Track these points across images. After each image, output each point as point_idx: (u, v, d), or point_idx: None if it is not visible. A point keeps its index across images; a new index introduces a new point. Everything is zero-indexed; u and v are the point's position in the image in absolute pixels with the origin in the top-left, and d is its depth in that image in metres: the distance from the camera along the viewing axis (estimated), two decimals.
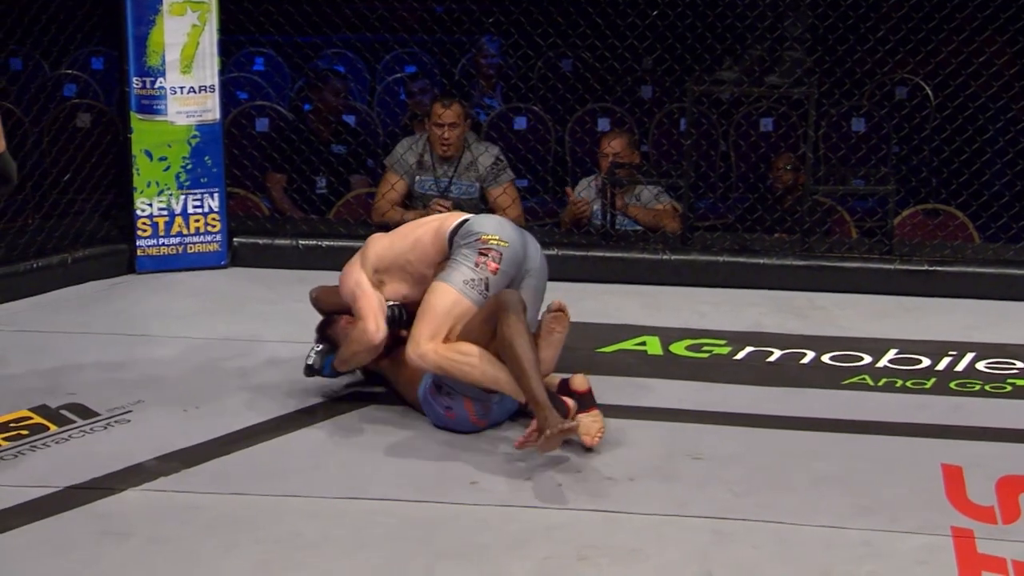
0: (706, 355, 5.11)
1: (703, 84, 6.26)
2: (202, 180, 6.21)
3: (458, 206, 6.07)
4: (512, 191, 6.38)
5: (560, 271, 5.71)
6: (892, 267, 5.95)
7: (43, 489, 3.88)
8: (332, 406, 4.56)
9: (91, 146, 6.59)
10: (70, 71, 8.06)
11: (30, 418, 4.41)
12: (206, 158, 6.20)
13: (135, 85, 6.08)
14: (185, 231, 6.22)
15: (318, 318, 4.69)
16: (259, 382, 4.74)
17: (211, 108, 6.17)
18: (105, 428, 4.36)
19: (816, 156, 6.36)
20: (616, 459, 4.11)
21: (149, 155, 6.14)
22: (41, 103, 7.43)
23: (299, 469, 4.07)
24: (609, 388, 4.47)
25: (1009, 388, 4.75)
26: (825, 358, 5.06)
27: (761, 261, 6.05)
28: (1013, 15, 6.21)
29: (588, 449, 4.11)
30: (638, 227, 6.42)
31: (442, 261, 4.36)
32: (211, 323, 5.47)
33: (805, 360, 5.05)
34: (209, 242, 6.27)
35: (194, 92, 6.13)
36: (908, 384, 4.78)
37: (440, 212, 5.61)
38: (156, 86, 6.07)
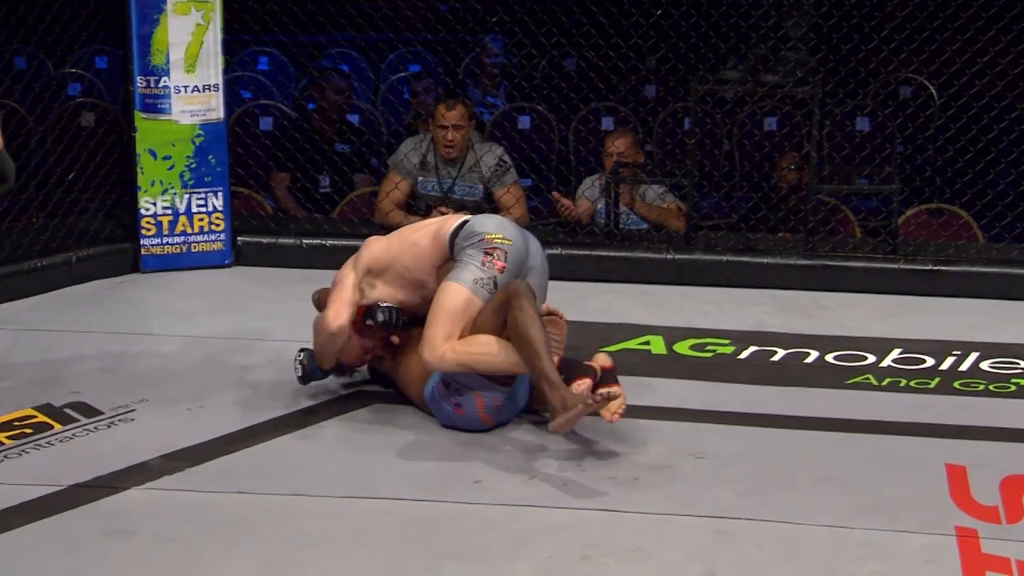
0: (710, 355, 5.11)
1: (707, 83, 6.26)
2: (206, 179, 6.22)
3: (462, 207, 6.07)
4: (516, 191, 6.37)
5: (564, 270, 5.73)
6: (896, 267, 5.94)
7: (47, 487, 3.89)
8: (335, 405, 4.57)
9: (95, 145, 6.59)
10: (74, 70, 8.07)
11: (34, 416, 4.42)
12: (210, 157, 6.20)
13: (139, 84, 6.08)
14: (189, 230, 6.23)
15: None
16: (262, 381, 4.74)
17: (215, 107, 6.18)
18: (109, 427, 4.37)
19: (820, 155, 6.35)
20: (619, 458, 4.11)
21: (153, 154, 6.14)
22: (45, 102, 7.44)
23: (302, 468, 4.08)
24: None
25: (1013, 388, 4.75)
26: (829, 357, 5.06)
27: (765, 260, 6.05)
28: (1017, 14, 6.21)
29: (608, 422, 4.13)
30: (642, 226, 6.42)
31: (444, 265, 4.36)
32: (215, 322, 5.47)
33: (809, 360, 5.05)
34: (213, 241, 6.27)
35: (198, 91, 6.13)
36: (912, 384, 4.78)
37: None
38: (160, 85, 6.08)
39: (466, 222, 4.41)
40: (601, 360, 4.39)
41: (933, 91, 7.37)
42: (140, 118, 6.11)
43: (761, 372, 4.91)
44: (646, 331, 5.33)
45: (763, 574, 3.46)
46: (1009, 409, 4.54)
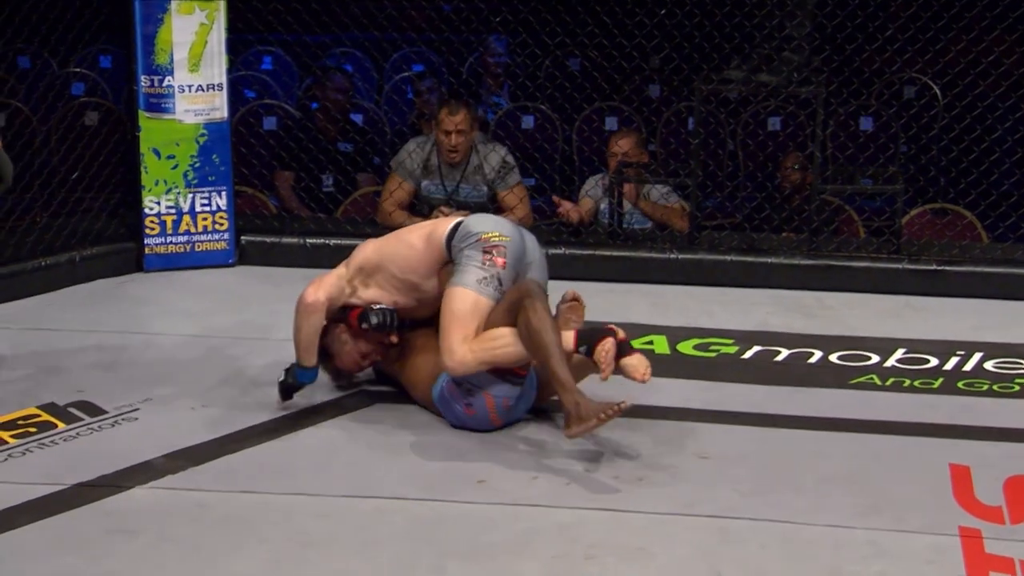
0: (713, 354, 5.11)
1: (711, 83, 6.26)
2: (210, 178, 6.22)
3: (465, 208, 6.06)
4: (520, 191, 6.36)
5: (568, 270, 5.73)
6: (900, 266, 5.94)
7: (51, 486, 3.89)
8: (340, 404, 4.57)
9: (99, 144, 6.60)
10: (78, 69, 8.08)
11: (38, 415, 4.42)
12: (214, 156, 6.20)
13: (143, 83, 6.09)
14: (193, 229, 6.23)
15: None
16: (266, 380, 4.73)
17: (219, 106, 6.18)
18: (113, 426, 4.37)
19: (824, 155, 6.35)
20: (623, 458, 4.11)
21: (157, 153, 6.15)
22: (49, 101, 7.45)
23: (307, 467, 4.08)
24: (616, 387, 4.46)
25: (1017, 388, 4.74)
26: (833, 357, 5.05)
27: (769, 260, 6.05)
28: (1022, 14, 6.20)
29: (642, 381, 4.15)
30: (646, 225, 6.42)
31: (443, 268, 4.36)
32: (218, 321, 5.48)
33: (813, 359, 5.05)
34: (217, 240, 6.28)
35: (202, 90, 6.13)
36: (916, 384, 4.78)
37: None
38: (164, 84, 6.08)
39: (460, 223, 4.40)
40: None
41: (937, 91, 7.36)
42: (144, 117, 6.12)
43: (765, 372, 4.91)
44: (650, 331, 5.33)
45: (767, 574, 3.46)
46: (1013, 409, 4.54)
